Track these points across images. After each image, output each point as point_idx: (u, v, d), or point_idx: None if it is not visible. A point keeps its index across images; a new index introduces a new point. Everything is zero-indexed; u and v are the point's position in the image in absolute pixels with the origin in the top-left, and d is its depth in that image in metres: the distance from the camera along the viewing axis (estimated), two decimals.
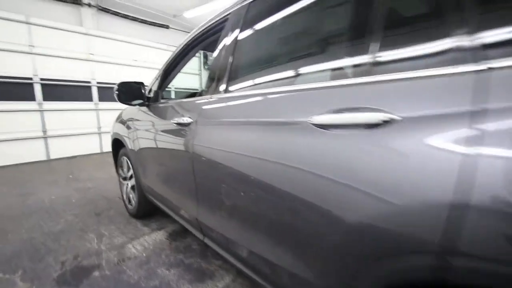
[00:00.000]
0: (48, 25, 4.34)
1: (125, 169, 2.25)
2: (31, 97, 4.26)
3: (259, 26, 1.03)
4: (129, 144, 1.99)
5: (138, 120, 1.87)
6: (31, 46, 4.18)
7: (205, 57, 7.36)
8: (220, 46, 1.18)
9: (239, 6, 1.11)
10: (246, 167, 0.87)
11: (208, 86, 1.21)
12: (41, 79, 4.32)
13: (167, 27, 6.39)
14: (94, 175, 3.62)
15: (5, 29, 3.92)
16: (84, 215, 2.32)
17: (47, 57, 4.36)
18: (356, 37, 0.71)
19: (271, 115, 0.81)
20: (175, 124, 1.32)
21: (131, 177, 2.15)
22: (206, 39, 1.47)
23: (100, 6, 5.13)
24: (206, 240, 1.22)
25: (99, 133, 5.19)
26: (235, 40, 1.09)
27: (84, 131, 4.95)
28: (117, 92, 1.65)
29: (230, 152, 0.94)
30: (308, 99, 0.73)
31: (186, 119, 1.22)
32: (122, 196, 2.43)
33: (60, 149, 4.65)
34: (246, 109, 0.94)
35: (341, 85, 0.67)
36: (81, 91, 4.83)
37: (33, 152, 4.36)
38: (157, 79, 1.79)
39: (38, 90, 4.31)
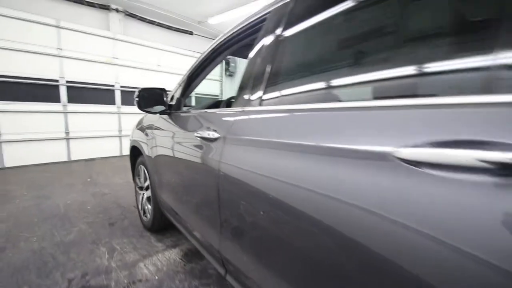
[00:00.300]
0: (77, 29, 4.43)
1: (142, 179, 2.13)
2: (56, 99, 4.33)
3: (308, 24, 0.84)
4: (147, 154, 1.87)
5: (158, 128, 1.74)
6: (59, 49, 4.26)
7: (227, 63, 7.30)
8: (255, 50, 1.01)
9: (281, 3, 0.94)
10: (288, 200, 0.68)
11: (239, 96, 1.04)
12: (67, 81, 4.38)
13: (191, 33, 6.40)
14: (112, 180, 3.56)
15: (35, 32, 4.02)
16: (97, 225, 2.21)
17: (74, 60, 4.43)
18: (471, 30, 0.49)
19: (330, 139, 0.62)
20: (199, 138, 1.16)
21: (147, 187, 2.02)
22: (236, 43, 1.31)
23: (127, 12, 5.20)
24: (229, 278, 1.03)
25: (120, 136, 5.20)
26: (276, 43, 0.91)
27: (105, 133, 4.97)
28: (137, 98, 1.52)
29: (268, 177, 0.75)
30: (393, 122, 0.52)
31: (212, 134, 1.05)
32: (137, 206, 2.31)
33: (80, 151, 4.68)
34: (290, 128, 0.75)
35: (453, 104, 0.45)
36: (104, 94, 4.88)
37: (55, 153, 4.40)
38: (180, 85, 1.66)
39: (63, 92, 4.37)
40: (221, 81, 7.34)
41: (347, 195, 0.54)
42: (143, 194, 2.13)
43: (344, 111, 0.64)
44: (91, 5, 4.78)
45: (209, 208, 1.11)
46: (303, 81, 0.85)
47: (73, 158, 4.62)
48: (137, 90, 1.54)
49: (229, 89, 7.60)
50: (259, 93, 0.93)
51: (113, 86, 4.97)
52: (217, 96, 7.35)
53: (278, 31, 0.92)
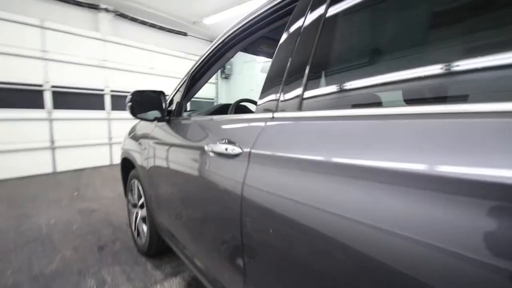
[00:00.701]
0: (63, 29, 4.12)
1: (136, 196, 1.85)
2: (40, 105, 3.99)
3: None
4: (142, 168, 1.59)
5: (155, 138, 1.47)
6: (44, 51, 3.95)
7: None
8: (286, 38, 0.77)
9: None
10: (351, 243, 0.46)
11: (265, 98, 0.79)
12: (52, 86, 4.06)
13: (185, 34, 6.14)
14: (101, 193, 3.25)
15: (17, 33, 3.70)
16: (84, 249, 1.91)
17: (60, 63, 4.12)
18: None
19: (419, 161, 0.40)
20: (211, 153, 0.90)
21: (142, 205, 1.75)
22: (251, 35, 1.06)
23: (118, 12, 4.91)
24: None
25: (110, 144, 4.88)
26: (319, 25, 0.66)
27: (94, 141, 4.65)
28: (130, 103, 1.26)
29: (322, 211, 0.51)
30: None
31: (231, 148, 0.80)
32: (130, 225, 2.03)
33: (67, 161, 4.34)
34: (354, 142, 0.51)
35: None
36: (93, 99, 4.56)
37: (39, 164, 4.05)
38: (180, 87, 1.40)
39: (48, 97, 4.05)
40: (216, 83, 7.08)
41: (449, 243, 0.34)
42: (137, 212, 1.86)
43: (443, 119, 0.41)
44: (79, 4, 4.48)
45: (227, 242, 0.86)
46: (369, 72, 0.60)
47: (59, 169, 4.27)
48: (129, 94, 1.28)
49: (225, 92, 7.35)
50: (297, 94, 0.68)
51: (102, 90, 4.66)
52: (212, 99, 7.09)
53: (319, 12, 0.67)
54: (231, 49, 1.20)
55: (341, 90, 0.63)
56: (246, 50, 1.43)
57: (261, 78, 6.23)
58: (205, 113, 1.62)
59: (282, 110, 0.71)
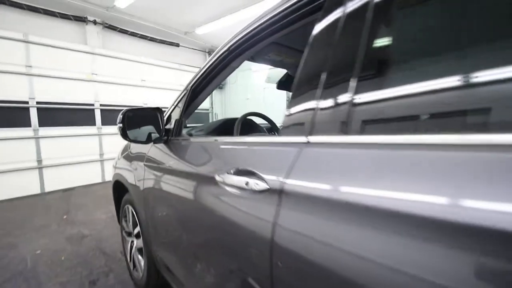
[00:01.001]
0: (49, 43, 3.94)
1: (130, 224, 1.66)
2: (26, 123, 3.77)
3: None
4: (136, 194, 1.41)
5: (151, 161, 1.30)
6: (28, 66, 3.75)
7: None
8: (318, 39, 0.62)
9: None
10: None
11: (294, 116, 0.64)
12: (38, 103, 3.85)
13: (177, 45, 6.01)
14: (93, 216, 3.02)
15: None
16: (74, 285, 1.70)
17: (46, 78, 3.92)
18: None
19: None
20: (225, 186, 0.74)
21: (138, 235, 1.56)
22: (264, 39, 0.91)
23: (106, 24, 4.76)
24: None
25: (101, 161, 4.65)
26: (368, 14, 0.51)
27: (85, 158, 4.41)
28: (121, 124, 1.09)
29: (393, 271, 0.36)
30: None
31: (253, 182, 0.64)
32: (125, 255, 1.83)
33: (56, 180, 4.09)
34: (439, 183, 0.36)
35: None
36: (82, 115, 4.35)
37: (25, 185, 3.80)
38: (179, 102, 1.24)
39: (34, 114, 3.83)
40: (211, 93, 6.93)
41: None
42: (132, 242, 1.66)
43: None
44: (65, 17, 4.31)
45: None
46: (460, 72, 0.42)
47: (47, 190, 4.02)
48: (120, 113, 1.11)
49: (220, 102, 7.22)
50: (342, 111, 0.52)
51: (92, 105, 4.45)
52: (207, 110, 6.93)
53: None
54: (237, 58, 1.05)
55: (411, 106, 0.46)
56: (252, 58, 1.28)
57: (257, 87, 6.12)
58: (209, 131, 1.46)
59: (320, 133, 0.56)
